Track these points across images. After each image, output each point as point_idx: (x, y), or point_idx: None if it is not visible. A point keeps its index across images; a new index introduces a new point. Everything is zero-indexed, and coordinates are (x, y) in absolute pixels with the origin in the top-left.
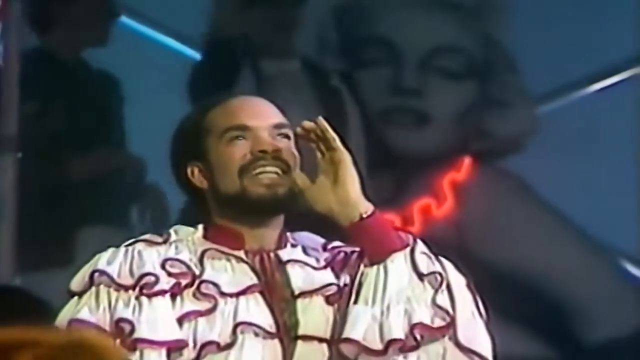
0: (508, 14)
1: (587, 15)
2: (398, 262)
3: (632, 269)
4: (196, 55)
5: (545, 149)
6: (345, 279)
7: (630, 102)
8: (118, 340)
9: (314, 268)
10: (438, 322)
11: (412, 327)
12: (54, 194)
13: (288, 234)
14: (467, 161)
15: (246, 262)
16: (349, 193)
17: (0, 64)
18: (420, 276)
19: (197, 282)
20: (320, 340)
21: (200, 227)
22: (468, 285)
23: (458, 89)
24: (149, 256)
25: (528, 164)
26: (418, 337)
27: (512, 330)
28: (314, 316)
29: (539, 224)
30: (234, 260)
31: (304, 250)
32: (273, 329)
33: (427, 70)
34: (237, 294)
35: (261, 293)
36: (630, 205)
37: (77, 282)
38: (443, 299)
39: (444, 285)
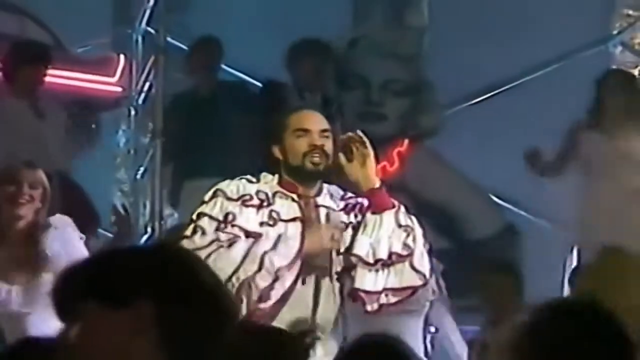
0: (429, 59)
1: (477, 48)
2: (388, 216)
3: (495, 199)
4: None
5: (451, 134)
6: (351, 218)
7: (517, 109)
8: (224, 225)
9: (334, 210)
10: (405, 252)
11: (391, 253)
12: (181, 162)
13: (324, 184)
14: (406, 141)
15: (297, 202)
16: (370, 173)
17: (153, 93)
18: (399, 226)
19: (269, 208)
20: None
21: (276, 176)
22: (424, 234)
23: (401, 101)
24: (250, 187)
25: (440, 142)
26: (394, 259)
27: (429, 233)
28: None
29: (445, 174)
30: (290, 200)
31: (331, 197)
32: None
33: (384, 91)
34: (288, 220)
35: (301, 221)
36: (496, 160)
37: (207, 195)
38: (410, 240)
39: (411, 233)
